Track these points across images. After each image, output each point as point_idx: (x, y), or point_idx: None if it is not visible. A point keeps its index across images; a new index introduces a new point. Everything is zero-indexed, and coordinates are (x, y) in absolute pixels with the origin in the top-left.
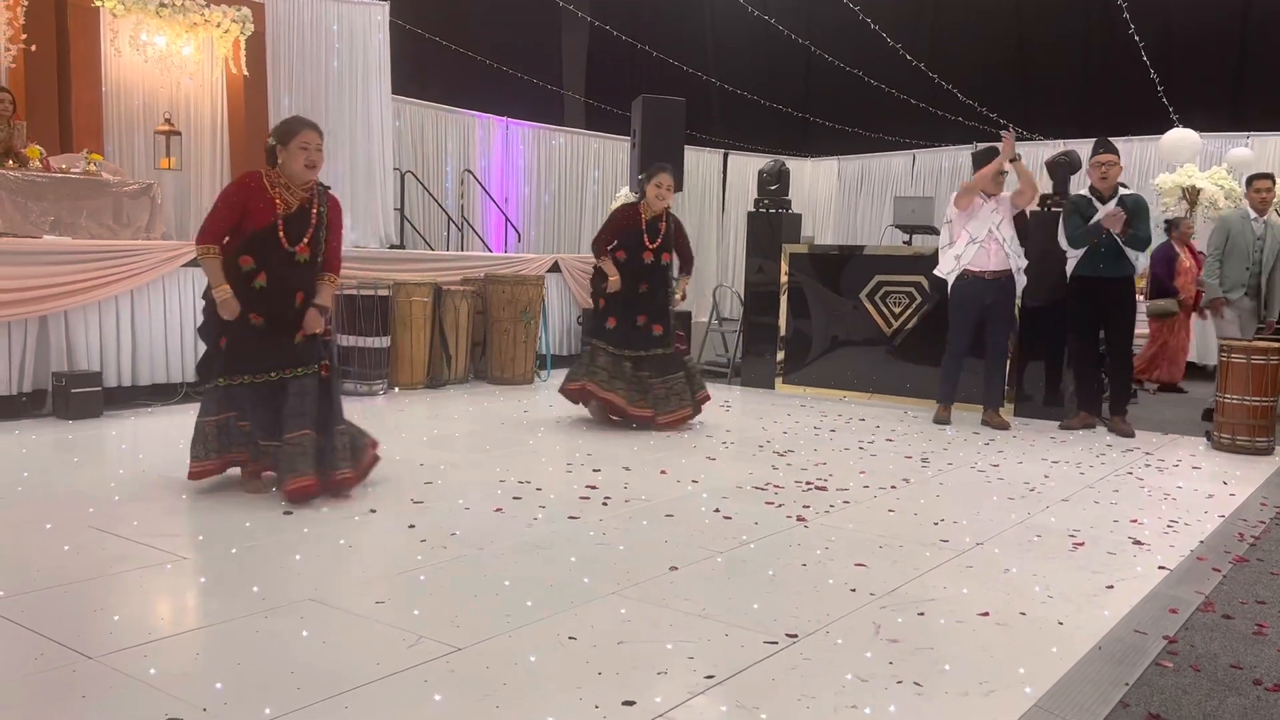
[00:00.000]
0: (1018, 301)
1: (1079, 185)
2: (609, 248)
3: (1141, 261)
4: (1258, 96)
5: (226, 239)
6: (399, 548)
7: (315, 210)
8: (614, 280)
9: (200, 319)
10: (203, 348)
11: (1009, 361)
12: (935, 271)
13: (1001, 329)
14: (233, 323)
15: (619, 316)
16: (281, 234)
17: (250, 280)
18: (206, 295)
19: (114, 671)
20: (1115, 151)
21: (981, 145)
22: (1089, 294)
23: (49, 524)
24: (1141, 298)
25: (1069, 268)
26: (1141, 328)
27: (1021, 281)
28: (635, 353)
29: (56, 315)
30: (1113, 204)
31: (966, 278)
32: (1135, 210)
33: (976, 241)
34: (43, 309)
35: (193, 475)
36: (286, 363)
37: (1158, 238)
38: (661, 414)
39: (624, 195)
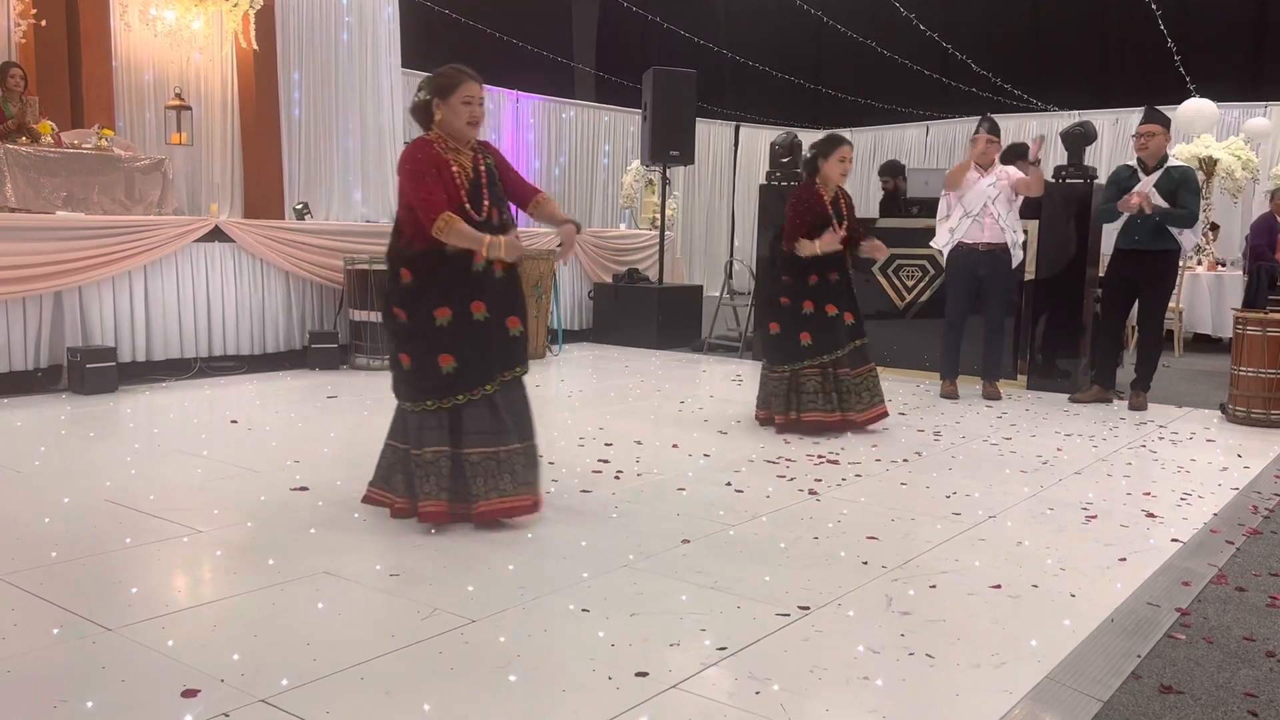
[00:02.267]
0: (1028, 274)
1: (1093, 156)
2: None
3: (1190, 238)
4: (1276, 66)
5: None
6: (412, 521)
7: (484, 166)
8: (827, 239)
9: (403, 337)
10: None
11: (1005, 334)
12: (931, 243)
13: (997, 303)
14: (454, 326)
15: (812, 329)
16: (468, 205)
17: (468, 262)
18: (406, 304)
19: (132, 643)
20: (1158, 120)
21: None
22: (1123, 267)
23: (66, 498)
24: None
25: (1110, 242)
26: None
27: (1018, 256)
28: (840, 352)
29: (71, 291)
30: (1156, 176)
31: (961, 250)
32: (1180, 184)
33: (970, 215)
34: (57, 284)
35: (426, 517)
36: (510, 362)
37: (1260, 207)
38: (855, 412)
39: (635, 168)
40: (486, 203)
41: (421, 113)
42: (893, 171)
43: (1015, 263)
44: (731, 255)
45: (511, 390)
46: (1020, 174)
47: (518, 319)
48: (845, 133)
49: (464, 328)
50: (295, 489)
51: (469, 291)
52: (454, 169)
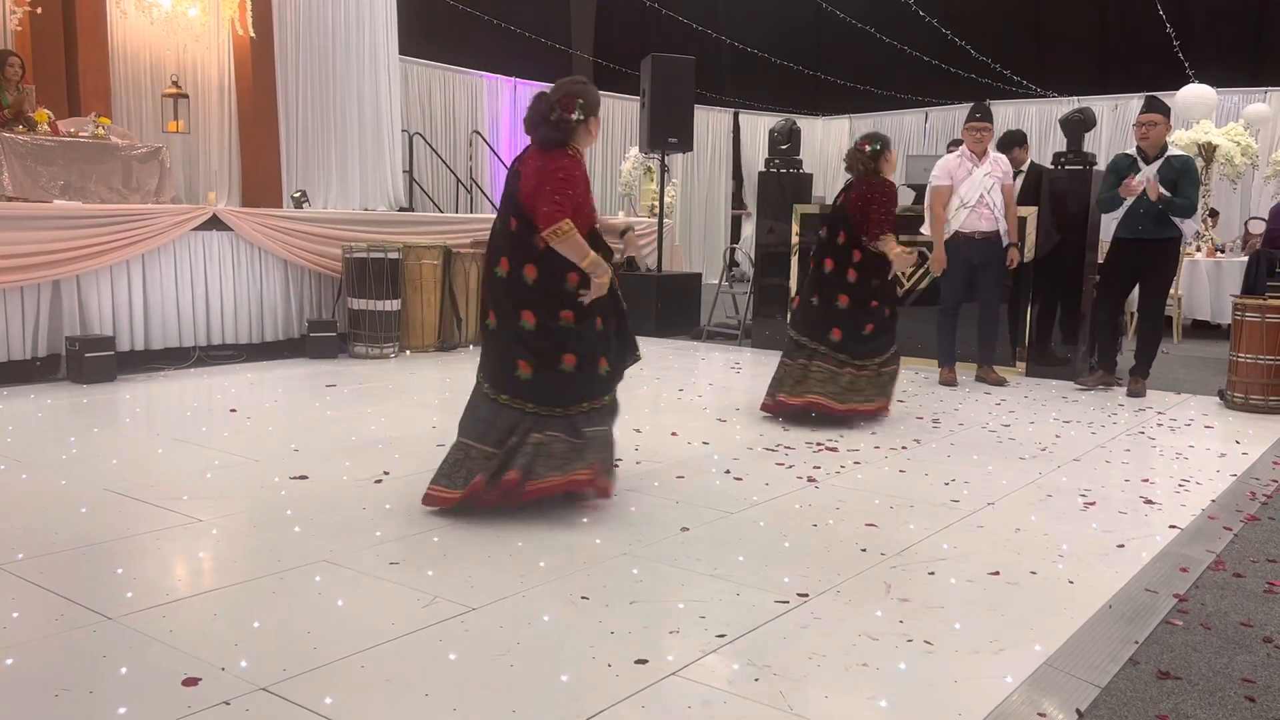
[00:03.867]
0: (1027, 256)
1: (1093, 143)
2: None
3: (1191, 225)
4: (1275, 52)
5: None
6: (412, 509)
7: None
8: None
9: (550, 331)
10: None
11: (1000, 319)
12: (922, 230)
13: (992, 288)
14: (583, 330)
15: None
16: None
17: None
18: (549, 299)
19: (133, 632)
20: (1160, 110)
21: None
22: (1125, 255)
23: (65, 487)
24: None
25: (1108, 231)
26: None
27: (1006, 240)
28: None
29: (68, 280)
30: (1157, 165)
31: (957, 239)
32: (1181, 174)
33: (968, 206)
34: (55, 274)
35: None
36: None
37: (1259, 192)
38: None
39: (633, 156)
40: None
41: (569, 130)
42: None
43: (1005, 245)
44: (739, 243)
45: None
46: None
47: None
48: (844, 120)
49: (592, 335)
50: (295, 477)
51: (594, 307)
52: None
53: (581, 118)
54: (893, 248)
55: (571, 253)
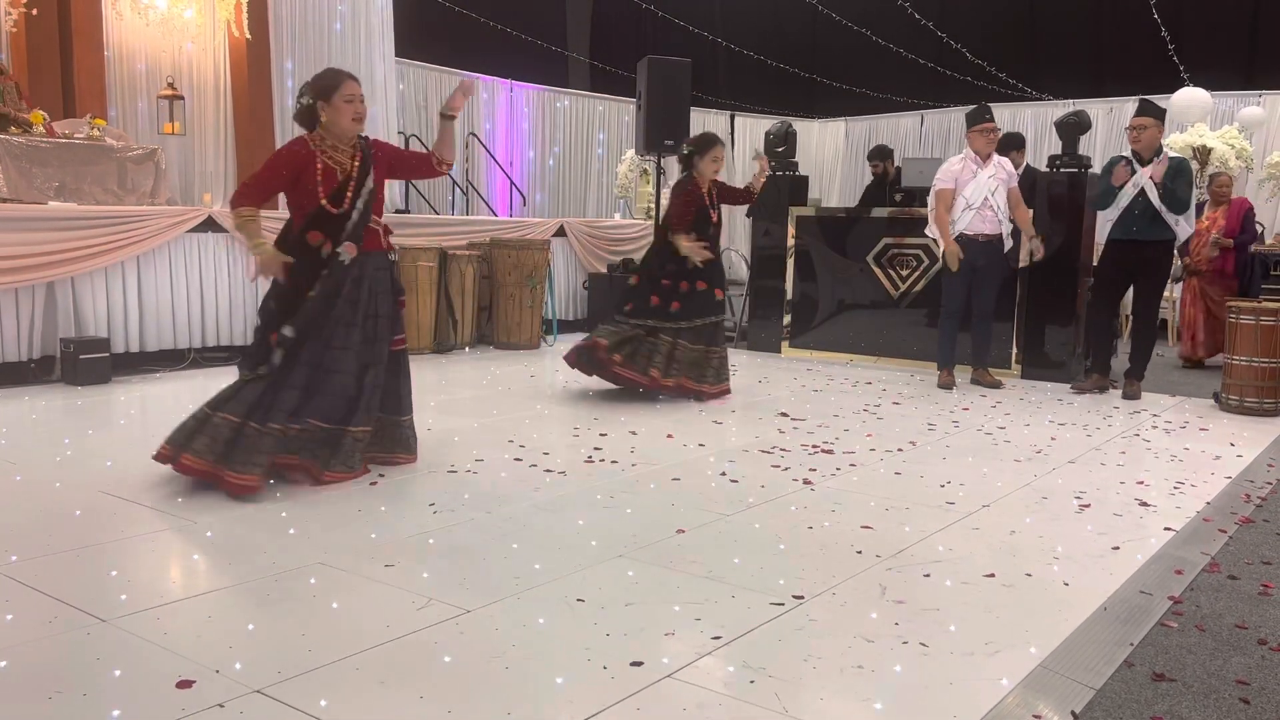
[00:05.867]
0: (1026, 260)
1: (1088, 146)
2: None
3: (1185, 228)
4: (1270, 55)
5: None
6: (407, 512)
7: (357, 163)
8: (695, 250)
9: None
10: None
11: (993, 320)
12: (925, 231)
13: (990, 290)
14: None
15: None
16: (326, 201)
17: (318, 252)
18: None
19: (127, 634)
20: (1152, 114)
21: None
22: (1119, 257)
23: (60, 489)
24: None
25: (1102, 234)
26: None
27: (1008, 244)
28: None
29: (63, 281)
30: (1151, 168)
31: (961, 240)
32: (1175, 174)
33: (973, 208)
34: (49, 275)
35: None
36: None
37: (1252, 195)
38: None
39: (630, 158)
40: (350, 195)
41: (305, 116)
42: (881, 155)
43: (1006, 248)
44: (729, 245)
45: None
46: (1013, 172)
47: None
48: (840, 122)
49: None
50: (290, 480)
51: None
52: (318, 165)
53: (310, 100)
54: (685, 250)
55: (239, 235)
